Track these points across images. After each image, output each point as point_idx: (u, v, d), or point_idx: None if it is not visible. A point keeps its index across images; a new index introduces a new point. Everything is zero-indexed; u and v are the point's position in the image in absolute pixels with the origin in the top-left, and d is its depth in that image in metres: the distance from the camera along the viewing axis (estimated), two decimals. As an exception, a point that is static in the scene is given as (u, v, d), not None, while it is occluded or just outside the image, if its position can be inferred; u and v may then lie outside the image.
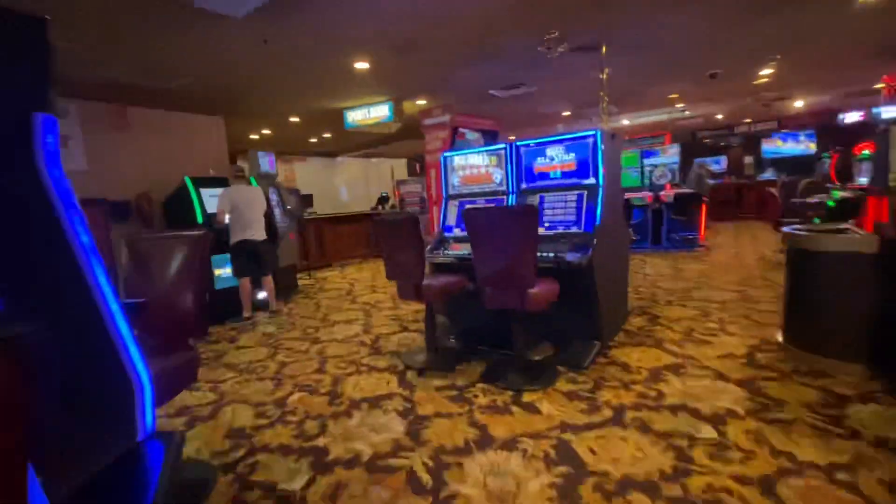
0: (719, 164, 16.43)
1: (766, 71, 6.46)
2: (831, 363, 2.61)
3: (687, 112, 9.71)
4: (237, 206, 4.62)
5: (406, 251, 2.97)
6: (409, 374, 3.04)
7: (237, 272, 4.73)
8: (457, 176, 3.84)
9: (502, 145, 3.54)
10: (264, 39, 4.04)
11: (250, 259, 4.77)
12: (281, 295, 5.95)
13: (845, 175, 9.22)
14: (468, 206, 2.55)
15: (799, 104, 9.87)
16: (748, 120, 12.33)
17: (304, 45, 4.34)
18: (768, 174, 13.33)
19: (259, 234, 4.81)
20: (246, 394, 2.95)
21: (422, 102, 6.63)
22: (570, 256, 2.81)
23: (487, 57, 4.94)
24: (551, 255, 2.95)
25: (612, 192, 3.28)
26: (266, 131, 8.19)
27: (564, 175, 3.27)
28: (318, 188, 12.23)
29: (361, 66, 4.85)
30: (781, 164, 13.97)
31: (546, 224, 3.30)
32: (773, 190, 5.97)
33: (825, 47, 5.51)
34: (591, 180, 3.16)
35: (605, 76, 5.20)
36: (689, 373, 2.74)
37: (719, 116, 11.07)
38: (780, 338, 3.05)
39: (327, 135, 8.92)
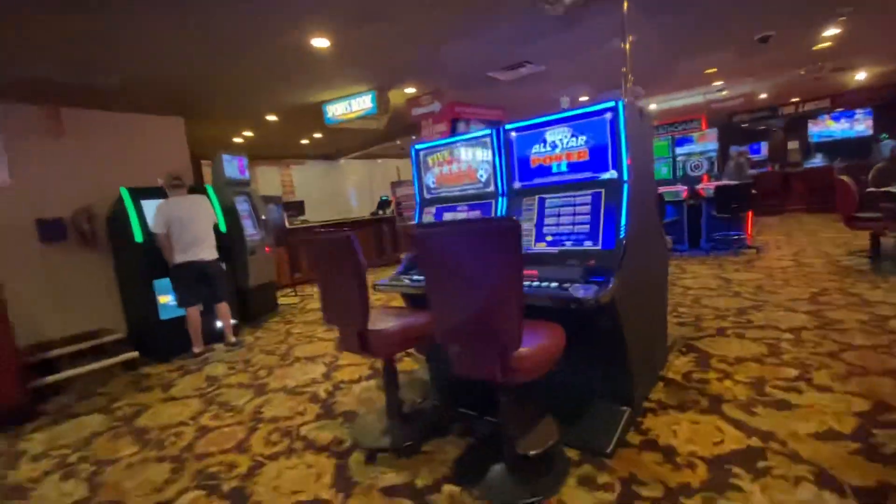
0: (758, 150, 14.94)
1: (831, 31, 5.25)
2: None
3: (725, 92, 8.48)
4: (175, 222, 3.84)
5: (342, 285, 2.07)
6: (354, 460, 2.14)
7: (182, 301, 3.95)
8: (433, 174, 2.91)
9: (486, 131, 2.59)
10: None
11: (199, 284, 3.98)
12: (254, 318, 5.17)
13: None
14: (418, 228, 1.62)
15: (861, 76, 8.47)
16: (795, 99, 10.90)
17: (246, 27, 3.53)
18: (817, 160, 11.84)
19: (208, 252, 4.01)
20: (127, 488, 2.11)
21: (410, 90, 5.73)
22: (583, 291, 1.85)
23: (475, 25, 4.00)
24: (553, 285, 2.00)
25: (642, 189, 2.30)
26: (247, 133, 7.47)
27: (572, 168, 2.31)
28: (319, 193, 11.54)
29: (321, 43, 3.99)
30: (832, 148, 12.41)
31: (548, 239, 2.34)
32: (844, 178, 4.79)
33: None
34: (612, 173, 2.18)
35: (628, 45, 4.15)
36: (775, 470, 1.74)
37: (763, 96, 9.74)
38: (910, 404, 2.00)
39: (318, 135, 8.14)
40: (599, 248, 2.15)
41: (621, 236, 2.07)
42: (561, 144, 2.32)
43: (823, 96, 10.62)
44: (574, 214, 2.29)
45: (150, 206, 4.11)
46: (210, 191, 4.67)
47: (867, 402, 2.16)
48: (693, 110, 8.87)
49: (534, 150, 2.43)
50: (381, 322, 2.16)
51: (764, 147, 15.01)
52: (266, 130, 7.23)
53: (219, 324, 4.24)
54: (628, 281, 2.03)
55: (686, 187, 7.32)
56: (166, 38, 3.61)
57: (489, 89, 6.17)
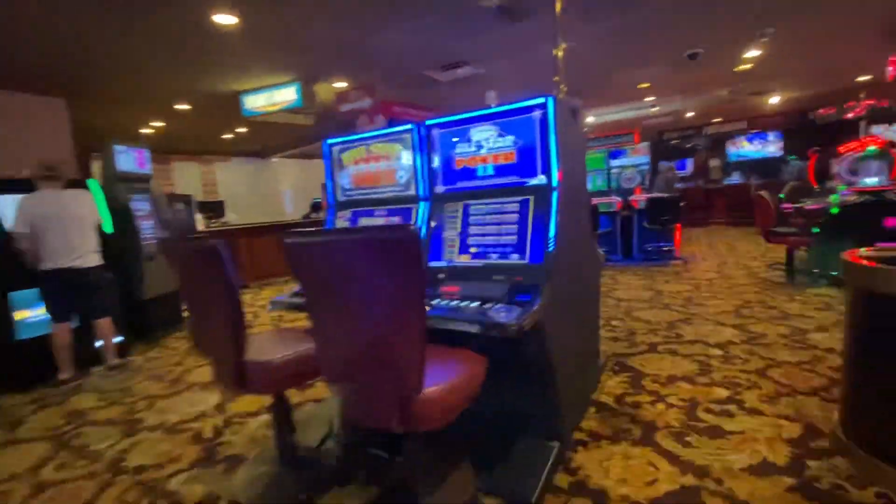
0: (684, 166, 15.92)
1: (753, 53, 5.52)
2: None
3: (656, 108, 8.81)
4: (42, 222, 3.17)
5: (212, 307, 1.65)
6: (226, 525, 1.71)
7: (55, 314, 3.27)
8: (348, 173, 2.55)
9: (407, 126, 2.28)
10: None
11: (73, 295, 3.32)
12: (150, 335, 4.48)
13: (823, 176, 8.58)
14: (288, 240, 1.26)
15: (775, 100, 9.16)
16: (718, 119, 11.67)
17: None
18: (735, 178, 12.75)
19: (85, 258, 3.36)
20: None
21: (341, 85, 5.33)
22: (505, 314, 1.57)
23: (399, 13, 3.69)
24: (474, 305, 1.71)
25: (573, 198, 2.08)
26: (157, 123, 6.65)
27: (499, 171, 2.04)
28: (249, 193, 10.70)
29: (226, 20, 3.51)
30: (747, 167, 13.46)
31: (473, 250, 2.06)
32: (763, 194, 5.00)
33: (824, 20, 4.57)
34: (541, 179, 1.94)
35: (561, 52, 3.99)
36: (713, 516, 1.55)
37: (690, 114, 10.29)
38: (838, 430, 1.90)
39: (241, 129, 7.45)
40: (527, 261, 1.89)
41: (550, 249, 1.83)
42: (487, 144, 2.05)
43: (741, 118, 11.45)
44: (500, 224, 2.02)
45: (9, 202, 3.38)
46: (94, 185, 3.97)
47: (797, 426, 2.06)
48: (627, 125, 9.16)
49: (458, 151, 2.14)
50: (268, 350, 1.76)
51: (689, 163, 16.03)
52: (179, 122, 6.48)
53: (99, 343, 3.57)
54: (557, 300, 1.79)
55: (620, 199, 7.47)
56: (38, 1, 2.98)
57: (430, 90, 5.91)
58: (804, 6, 4.17)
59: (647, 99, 8.02)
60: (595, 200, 7.77)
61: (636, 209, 6.92)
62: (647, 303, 4.47)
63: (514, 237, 1.96)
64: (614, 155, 8.56)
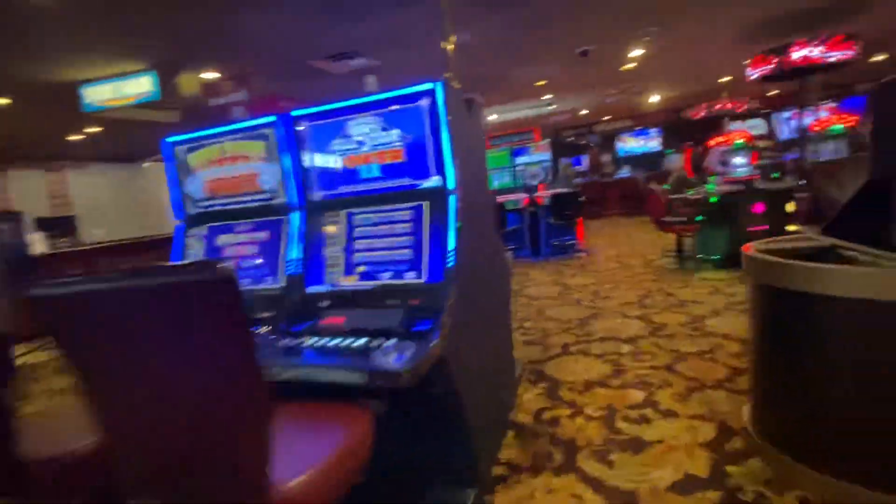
0: (580, 162, 17.02)
1: (637, 52, 5.81)
2: (854, 490, 1.44)
3: (554, 106, 9.12)
4: None
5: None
6: None
7: None
8: (198, 180, 2.02)
9: (269, 118, 1.84)
10: None
11: None
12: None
13: (697, 168, 9.58)
14: (36, 292, 0.79)
15: (655, 99, 9.98)
16: (608, 117, 12.51)
17: None
18: (624, 172, 13.85)
19: None
20: None
21: (212, 76, 4.60)
22: (396, 358, 1.23)
23: None
24: (359, 343, 1.35)
25: (475, 200, 1.81)
26: (-33, 121, 5.28)
27: (387, 172, 1.70)
28: (116, 205, 9.14)
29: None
30: (633, 161, 14.73)
31: (360, 270, 1.69)
32: (653, 186, 5.30)
33: (693, 24, 4.91)
34: (435, 180, 1.63)
35: (451, 45, 3.69)
36: (646, 559, 1.36)
37: (584, 112, 10.86)
38: (751, 428, 1.86)
39: (93, 129, 6.23)
40: (424, 280, 1.58)
41: (449, 265, 1.53)
42: (369, 141, 1.70)
43: (627, 116, 12.41)
44: (392, 235, 1.68)
45: None
46: None
47: (711, 426, 2.00)
48: (528, 123, 9.38)
49: (336, 148, 1.75)
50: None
51: (585, 159, 17.17)
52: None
53: None
54: (462, 324, 1.50)
55: (526, 195, 7.56)
56: None
57: (325, 84, 5.37)
58: (678, 9, 4.42)
59: (544, 97, 8.24)
60: (502, 198, 7.80)
61: (541, 205, 7.04)
62: (557, 299, 4.46)
63: (409, 251, 1.63)
64: (517, 153, 8.70)
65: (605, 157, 16.24)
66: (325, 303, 1.68)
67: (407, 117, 1.63)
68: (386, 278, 1.64)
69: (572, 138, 13.71)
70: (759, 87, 10.03)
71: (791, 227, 4.60)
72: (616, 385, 2.50)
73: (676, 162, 11.50)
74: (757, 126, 10.33)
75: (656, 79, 7.40)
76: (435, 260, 1.57)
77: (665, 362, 2.73)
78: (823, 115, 4.59)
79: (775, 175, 5.33)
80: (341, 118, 1.72)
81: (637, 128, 13.34)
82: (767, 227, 4.85)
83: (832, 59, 4.82)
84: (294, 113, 1.79)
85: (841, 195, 2.48)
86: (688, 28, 4.88)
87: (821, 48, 4.88)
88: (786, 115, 11.62)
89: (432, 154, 1.61)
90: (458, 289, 1.51)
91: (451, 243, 1.54)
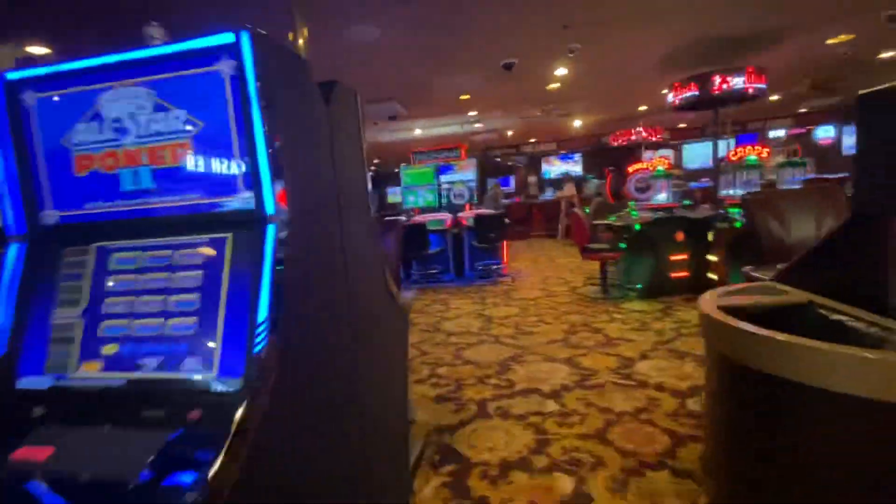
0: (508, 183, 17.16)
1: (561, 71, 5.61)
2: None
3: (480, 124, 8.84)
4: None
5: None
6: None
7: None
8: None
9: (-37, 81, 1.06)
10: None
11: None
12: None
13: (617, 194, 9.79)
14: None
15: (578, 123, 10.11)
16: (533, 140, 12.60)
17: None
18: (548, 194, 14.05)
19: None
20: None
21: (42, 51, 3.54)
22: None
23: None
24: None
25: (330, 232, 1.17)
26: None
27: (164, 181, 1.00)
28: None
29: None
30: (557, 183, 15.06)
31: (109, 352, 0.96)
32: (578, 211, 5.03)
33: (620, 43, 4.76)
34: (243, 198, 0.96)
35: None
36: None
37: (510, 133, 10.76)
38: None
39: None
40: (215, 375, 0.89)
41: (258, 348, 0.86)
42: (136, 126, 0.99)
43: (552, 139, 12.58)
44: (167, 292, 0.98)
45: None
46: None
47: (660, 538, 1.50)
48: (454, 140, 9.01)
49: (81, 137, 1.02)
50: None
51: (512, 180, 17.34)
52: None
53: None
54: (281, 454, 0.83)
55: (451, 216, 7.08)
56: None
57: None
58: (601, 23, 4.22)
59: (470, 113, 7.91)
60: (424, 218, 7.26)
61: (466, 227, 6.58)
62: (477, 335, 3.92)
63: (193, 322, 0.94)
64: (443, 170, 8.25)
65: (532, 179, 16.52)
66: (40, 410, 0.93)
67: (197, 89, 0.95)
68: (149, 369, 0.93)
69: (499, 158, 13.67)
70: (672, 118, 10.61)
71: (712, 257, 4.50)
72: (540, 467, 1.95)
73: (595, 188, 11.86)
74: (668, 156, 10.86)
75: (580, 100, 7.38)
76: (234, 339, 0.90)
77: (596, 427, 2.24)
78: (733, 146, 4.55)
79: (687, 202, 5.32)
80: (90, 87, 1.01)
81: (561, 151, 13.63)
82: (687, 255, 4.76)
83: (750, 91, 4.91)
84: (9, 76, 1.04)
85: (783, 231, 2.16)
86: (611, 45, 4.75)
87: (740, 78, 4.97)
88: (696, 145, 12.47)
89: (238, 154, 0.95)
90: (276, 394, 0.85)
91: (263, 309, 0.88)
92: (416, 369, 3.20)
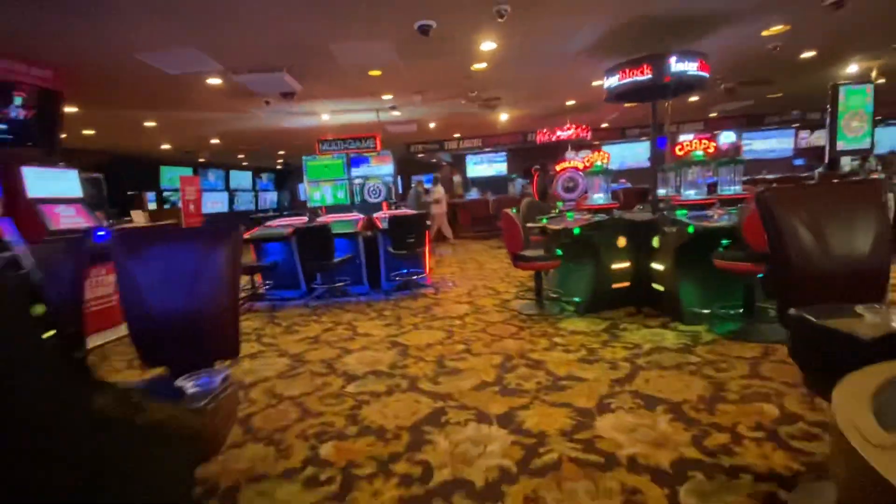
0: (432, 181, 16.34)
1: (488, 45, 4.78)
2: None
3: (398, 112, 7.83)
4: None
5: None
6: None
7: None
8: None
9: None
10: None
11: None
12: None
13: (544, 194, 9.34)
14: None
15: (504, 117, 9.49)
16: (457, 135, 11.84)
17: None
18: (474, 193, 13.44)
19: None
20: None
21: None
22: None
23: None
24: None
25: None
26: None
27: None
28: None
29: None
30: (483, 182, 14.53)
31: None
32: (510, 212, 4.24)
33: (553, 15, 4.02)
34: None
35: None
36: None
37: (432, 125, 9.87)
38: None
39: None
40: None
41: None
42: None
43: (477, 135, 11.92)
44: None
45: None
46: None
47: None
48: (369, 129, 7.91)
49: None
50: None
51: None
52: None
53: None
54: None
55: (362, 217, 6.00)
56: None
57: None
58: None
59: (385, 97, 6.86)
60: (329, 219, 6.11)
61: (380, 229, 5.55)
62: (387, 378, 2.93)
63: None
64: (355, 163, 7.15)
65: (458, 178, 15.84)
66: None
67: None
68: None
69: (422, 154, 12.77)
70: (595, 117, 10.42)
71: (657, 266, 3.94)
72: None
73: (524, 187, 11.41)
74: (606, 151, 10.62)
75: (507, 87, 6.68)
76: None
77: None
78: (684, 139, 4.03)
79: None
80: None
81: (486, 149, 13.06)
82: (630, 263, 4.19)
83: (702, 76, 4.45)
84: None
85: (817, 246, 1.44)
86: (543, 12, 3.97)
87: (694, 63, 4.48)
88: (616, 146, 12.51)
89: None
90: None
91: None
92: (287, 449, 2.15)
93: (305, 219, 6.14)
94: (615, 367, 2.88)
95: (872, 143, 6.67)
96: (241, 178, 15.67)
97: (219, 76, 5.13)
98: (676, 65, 4.39)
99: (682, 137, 13.29)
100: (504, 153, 13.85)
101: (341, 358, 3.39)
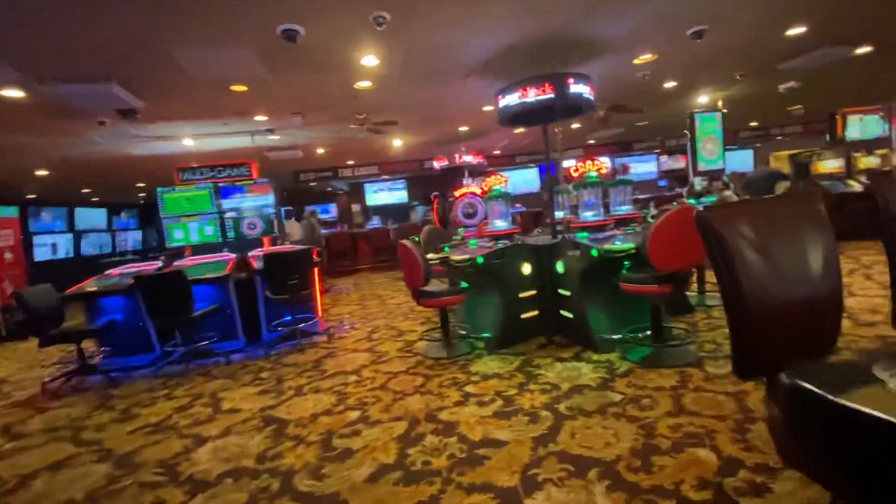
0: (328, 211, 15.39)
1: (371, 60, 4.33)
2: None
3: (277, 137, 7.01)
4: None
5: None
6: None
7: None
8: None
9: None
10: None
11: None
12: None
13: (444, 221, 9.08)
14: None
15: (398, 143, 9.12)
16: (351, 162, 11.21)
17: None
18: (375, 222, 12.84)
19: None
20: None
21: None
22: None
23: None
24: None
25: None
26: None
27: None
28: None
29: None
30: (383, 211, 14.01)
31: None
32: (407, 244, 3.74)
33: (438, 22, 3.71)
34: None
35: None
36: None
37: (320, 151, 9.13)
38: None
39: None
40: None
41: None
42: None
43: (372, 162, 11.41)
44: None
45: None
46: None
47: None
48: (244, 155, 6.95)
49: None
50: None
51: (333, 208, 15.64)
52: None
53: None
54: None
55: (232, 255, 5.06)
56: None
57: None
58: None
59: (258, 118, 6.04)
60: (193, 260, 5.07)
61: (256, 270, 4.67)
62: (248, 483, 2.16)
63: None
64: (226, 193, 6.13)
65: (356, 207, 15.11)
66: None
67: None
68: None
69: (314, 183, 11.86)
70: (487, 144, 10.60)
71: (564, 292, 3.72)
72: None
73: (425, 214, 11.13)
74: (504, 174, 10.75)
75: (398, 109, 6.30)
76: None
77: None
78: (571, 164, 3.95)
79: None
80: None
81: (383, 177, 12.62)
82: (536, 291, 3.93)
83: (590, 100, 4.44)
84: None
85: (766, 267, 1.15)
86: (425, 23, 3.63)
87: (587, 86, 4.47)
88: (507, 172, 12.88)
89: None
90: None
91: None
92: None
93: (159, 263, 5.00)
94: (535, 419, 2.47)
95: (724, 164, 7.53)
96: (91, 217, 13.14)
97: (18, 87, 3.93)
98: (574, 86, 4.37)
99: (566, 162, 14.14)
100: (403, 180, 13.53)
101: (189, 454, 2.51)
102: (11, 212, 9.58)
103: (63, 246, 12.29)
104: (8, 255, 7.12)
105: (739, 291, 1.18)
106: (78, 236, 12.70)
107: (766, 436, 2.09)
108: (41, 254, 11.51)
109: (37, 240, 11.38)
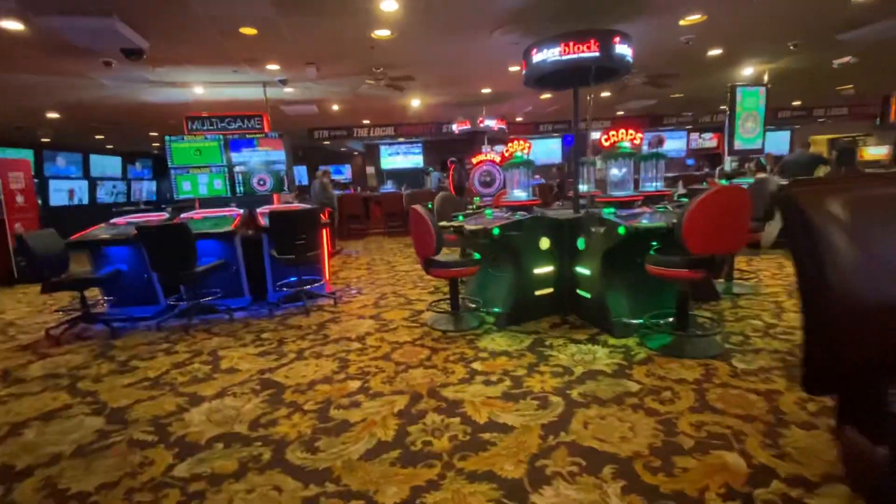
0: (341, 172, 15.14)
1: (389, 4, 3.98)
2: None
3: (290, 89, 6.71)
4: None
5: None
6: None
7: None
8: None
9: None
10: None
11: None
12: None
13: (461, 189, 8.79)
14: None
15: (416, 103, 8.73)
16: (367, 121, 10.85)
17: None
18: (389, 186, 12.59)
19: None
20: None
21: None
22: None
23: None
24: None
25: None
26: None
27: None
28: None
29: None
30: (398, 175, 13.71)
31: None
32: (419, 209, 3.52)
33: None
34: None
35: None
36: None
37: (335, 108, 8.80)
38: None
39: None
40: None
41: None
42: None
43: (388, 123, 11.04)
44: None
45: None
46: None
47: None
48: (256, 107, 6.69)
49: None
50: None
51: (348, 170, 15.37)
52: None
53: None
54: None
55: (239, 211, 4.90)
56: None
57: None
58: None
59: (269, 66, 5.73)
60: (200, 213, 4.93)
61: (264, 228, 4.52)
62: (239, 450, 2.06)
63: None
64: (236, 146, 5.94)
65: (370, 169, 14.82)
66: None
67: None
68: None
69: (328, 142, 11.58)
70: (510, 109, 10.11)
71: (583, 270, 3.49)
72: None
73: (440, 181, 10.81)
74: (528, 141, 10.38)
75: (416, 66, 5.92)
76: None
77: None
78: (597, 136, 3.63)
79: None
80: None
81: (400, 139, 12.25)
82: (553, 267, 3.71)
83: (628, 61, 4.02)
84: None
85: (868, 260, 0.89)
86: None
87: (629, 49, 4.04)
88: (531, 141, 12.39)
89: None
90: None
91: None
92: None
93: (165, 215, 4.88)
94: (545, 403, 2.31)
95: (763, 144, 7.04)
96: (106, 165, 13.12)
97: (16, 17, 3.70)
98: (619, 46, 3.94)
99: (594, 135, 13.60)
100: (420, 144, 13.16)
101: (183, 413, 2.43)
102: (24, 155, 9.54)
103: (79, 192, 12.34)
104: (19, 199, 7.08)
105: (824, 286, 0.95)
106: (93, 183, 12.73)
107: (802, 443, 1.90)
108: (58, 198, 11.57)
109: (53, 185, 11.41)
